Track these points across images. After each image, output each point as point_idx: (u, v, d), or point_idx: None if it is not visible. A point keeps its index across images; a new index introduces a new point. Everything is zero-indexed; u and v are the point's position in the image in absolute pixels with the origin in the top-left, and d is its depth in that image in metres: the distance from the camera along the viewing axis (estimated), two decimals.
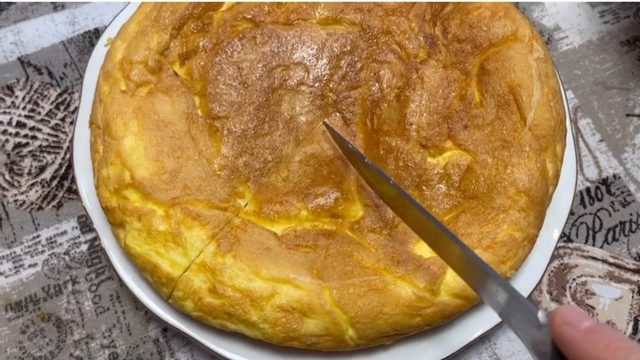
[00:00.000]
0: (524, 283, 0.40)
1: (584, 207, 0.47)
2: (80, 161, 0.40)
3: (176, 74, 0.41)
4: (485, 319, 0.39)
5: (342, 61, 0.42)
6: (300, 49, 0.42)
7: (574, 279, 0.45)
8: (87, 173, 0.40)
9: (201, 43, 0.41)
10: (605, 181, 0.48)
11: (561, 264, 0.46)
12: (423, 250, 0.38)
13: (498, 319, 0.39)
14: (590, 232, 0.47)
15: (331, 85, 0.42)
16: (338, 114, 0.42)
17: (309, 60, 0.42)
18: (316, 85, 0.42)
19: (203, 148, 0.39)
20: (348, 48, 0.43)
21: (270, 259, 0.36)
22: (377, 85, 0.42)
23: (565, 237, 0.46)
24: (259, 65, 0.41)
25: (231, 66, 0.41)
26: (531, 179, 0.38)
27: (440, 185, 0.40)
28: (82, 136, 0.40)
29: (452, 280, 0.36)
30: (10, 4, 0.49)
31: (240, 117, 0.40)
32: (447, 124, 0.41)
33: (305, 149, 0.41)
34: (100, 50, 0.43)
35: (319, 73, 0.42)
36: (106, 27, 0.48)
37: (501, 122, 0.41)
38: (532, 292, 0.40)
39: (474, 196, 0.39)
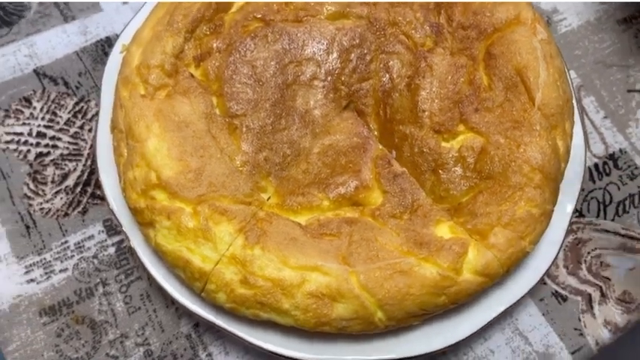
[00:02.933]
0: (542, 258, 0.41)
1: (594, 182, 0.49)
2: (103, 166, 0.40)
3: (192, 76, 0.42)
4: (506, 296, 0.40)
5: (352, 55, 0.44)
6: (310, 45, 0.43)
7: (588, 252, 0.46)
8: (110, 177, 0.40)
9: (214, 45, 0.42)
10: (612, 156, 0.50)
11: (575, 238, 0.47)
12: (443, 231, 0.39)
13: (518, 296, 0.40)
14: (601, 206, 0.48)
15: (343, 79, 0.43)
16: (352, 106, 0.43)
17: (320, 55, 0.43)
18: (328, 79, 0.43)
19: (224, 146, 0.40)
20: (357, 41, 0.44)
21: (297, 249, 0.37)
22: (387, 75, 0.43)
23: (577, 212, 0.47)
24: (272, 63, 0.42)
25: (245, 65, 0.42)
26: (544, 157, 0.40)
27: (456, 168, 0.41)
28: (103, 141, 0.41)
29: (473, 258, 0.38)
30: (20, 18, 0.49)
31: (257, 114, 0.41)
32: (458, 109, 0.42)
33: (322, 141, 0.42)
34: (114, 57, 0.43)
35: (330, 67, 0.43)
36: (117, 35, 0.49)
37: (511, 104, 0.42)
38: (550, 266, 0.41)
39: (489, 177, 0.40)
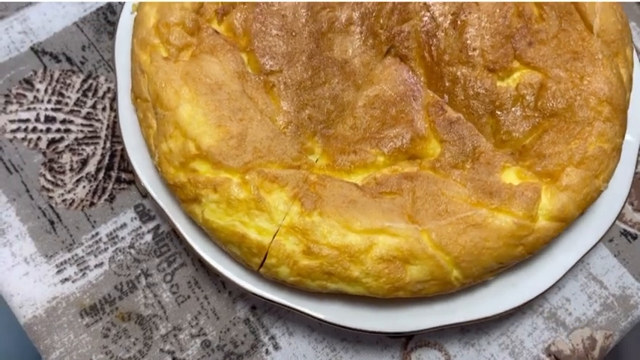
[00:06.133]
0: (613, 196, 0.39)
1: None
2: (130, 143, 0.36)
3: (217, 32, 0.37)
4: (581, 241, 0.37)
5: None
6: None
7: None
8: (139, 155, 0.36)
9: None
10: None
11: (637, 173, 0.44)
12: (510, 177, 0.36)
13: (596, 239, 0.37)
14: None
15: (381, 21, 0.39)
16: (393, 52, 0.39)
17: None
18: (365, 23, 0.39)
19: (263, 107, 0.36)
20: None
21: (359, 211, 0.34)
22: (428, 14, 0.39)
23: None
24: (303, 11, 0.38)
25: (274, 16, 0.37)
26: (611, 87, 0.37)
27: (515, 108, 0.37)
28: (125, 116, 0.37)
29: (548, 203, 0.35)
30: None
31: (293, 68, 0.37)
32: (510, 44, 0.38)
33: (367, 92, 0.38)
34: (125, 20, 0.38)
35: (366, 10, 0.39)
36: (119, 0, 0.44)
37: (566, 33, 0.38)
38: (624, 205, 0.38)
39: (553, 114, 0.37)
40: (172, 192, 0.34)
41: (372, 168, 0.36)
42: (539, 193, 0.35)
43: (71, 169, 0.39)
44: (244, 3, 0.37)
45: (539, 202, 0.34)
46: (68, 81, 0.41)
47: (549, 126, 0.37)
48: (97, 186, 0.39)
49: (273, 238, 0.32)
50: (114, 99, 0.41)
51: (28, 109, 0.40)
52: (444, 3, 0.39)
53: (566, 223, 0.35)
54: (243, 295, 0.37)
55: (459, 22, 0.39)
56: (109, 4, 0.44)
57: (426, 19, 0.39)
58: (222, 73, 0.35)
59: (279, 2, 0.38)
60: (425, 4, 0.39)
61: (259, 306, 0.37)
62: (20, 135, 0.40)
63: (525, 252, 0.34)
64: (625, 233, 0.42)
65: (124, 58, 0.38)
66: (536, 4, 0.40)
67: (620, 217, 0.43)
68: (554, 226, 0.35)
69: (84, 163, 0.39)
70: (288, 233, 0.33)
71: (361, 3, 0.39)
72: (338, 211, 0.33)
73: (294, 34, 0.37)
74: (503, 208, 0.34)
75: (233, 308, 0.37)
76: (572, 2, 0.39)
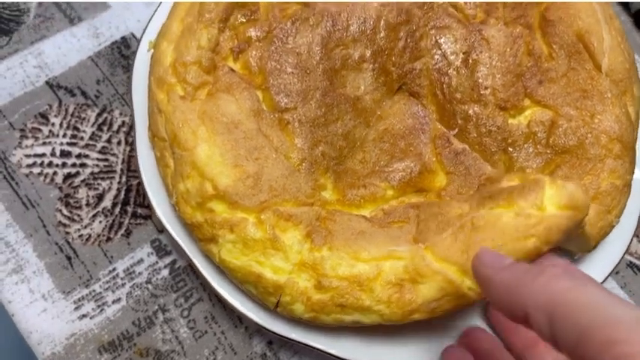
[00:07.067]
0: (621, 231, 0.39)
1: None
2: (148, 180, 0.36)
3: (232, 70, 0.37)
4: (591, 274, 0.38)
5: (401, 32, 0.40)
6: (355, 25, 0.39)
7: None
8: (155, 190, 0.36)
9: (252, 34, 0.38)
10: None
11: None
12: (513, 182, 0.33)
13: (606, 273, 0.38)
14: None
15: (393, 59, 0.40)
16: (404, 89, 0.40)
17: (367, 35, 0.39)
18: (378, 60, 0.39)
19: (278, 145, 0.36)
20: (404, 17, 0.40)
21: (367, 241, 0.34)
22: (440, 52, 0.40)
23: None
24: (317, 48, 0.38)
25: (289, 53, 0.38)
26: (621, 125, 0.37)
27: (527, 145, 0.38)
28: (140, 152, 0.37)
29: (554, 193, 0.31)
30: (19, 24, 0.44)
31: (308, 106, 0.37)
32: (521, 83, 0.39)
33: (376, 127, 0.39)
34: (141, 58, 0.39)
35: (379, 48, 0.40)
36: (132, 34, 0.45)
37: (576, 72, 0.39)
38: (632, 238, 0.39)
39: (565, 151, 0.37)
40: (190, 231, 0.35)
41: (380, 202, 0.37)
42: (543, 184, 0.31)
43: (87, 204, 0.39)
44: (260, 40, 0.38)
45: (543, 192, 0.31)
46: (83, 115, 0.42)
47: (562, 162, 0.37)
48: (114, 221, 0.39)
49: (288, 276, 0.33)
50: (128, 133, 0.42)
51: (44, 143, 0.41)
52: (456, 41, 0.40)
53: (579, 210, 0.30)
54: (260, 329, 0.37)
55: (470, 61, 0.39)
56: (123, 38, 0.44)
57: (437, 57, 0.40)
58: (238, 111, 0.36)
59: (293, 40, 0.38)
60: (436, 42, 0.40)
61: (275, 341, 0.37)
62: (36, 170, 0.40)
63: (540, 243, 0.30)
64: (631, 265, 0.43)
65: (141, 91, 0.38)
66: (546, 42, 0.40)
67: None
68: (567, 214, 0.30)
69: (100, 198, 0.40)
70: (300, 270, 0.33)
71: (374, 40, 0.39)
72: (347, 243, 0.34)
73: (308, 71, 0.38)
74: (502, 204, 0.31)
75: (250, 343, 0.37)
76: (581, 42, 0.39)
